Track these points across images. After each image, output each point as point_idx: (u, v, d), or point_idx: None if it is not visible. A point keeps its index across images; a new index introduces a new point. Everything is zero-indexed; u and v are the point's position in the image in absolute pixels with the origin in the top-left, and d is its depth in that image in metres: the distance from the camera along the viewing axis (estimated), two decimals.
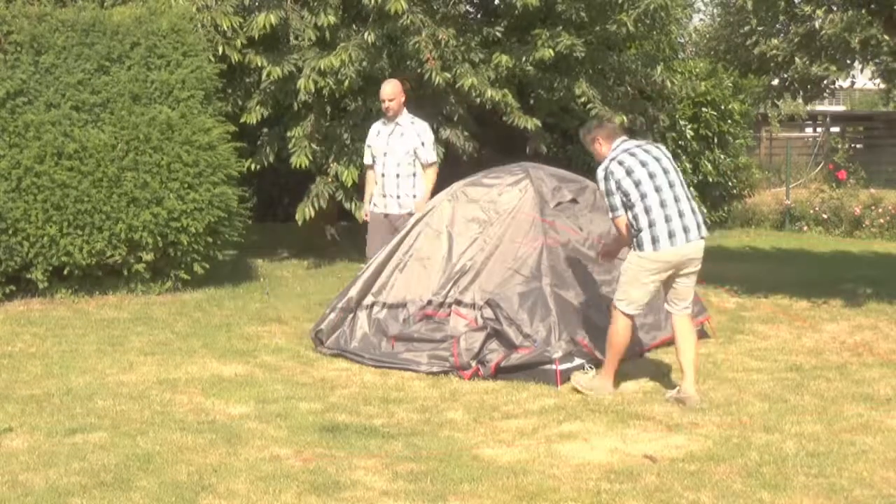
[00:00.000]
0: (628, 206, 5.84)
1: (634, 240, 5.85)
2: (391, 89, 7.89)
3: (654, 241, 5.77)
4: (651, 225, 5.77)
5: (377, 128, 8.10)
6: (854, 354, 7.22)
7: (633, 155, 5.91)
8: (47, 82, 9.12)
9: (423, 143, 7.90)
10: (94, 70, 9.25)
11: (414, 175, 7.88)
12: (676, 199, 5.84)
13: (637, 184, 5.80)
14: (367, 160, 8.20)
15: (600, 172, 5.93)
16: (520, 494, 4.45)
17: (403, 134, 7.88)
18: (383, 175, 7.91)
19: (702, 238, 5.90)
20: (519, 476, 4.66)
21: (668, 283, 5.97)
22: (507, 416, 5.64)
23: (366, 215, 8.19)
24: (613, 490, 4.50)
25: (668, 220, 5.78)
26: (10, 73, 9.01)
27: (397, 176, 7.86)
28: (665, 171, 5.88)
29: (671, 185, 5.86)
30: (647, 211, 5.78)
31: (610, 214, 5.99)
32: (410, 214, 7.63)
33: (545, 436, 5.29)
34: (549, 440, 5.21)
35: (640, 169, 5.84)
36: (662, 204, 5.79)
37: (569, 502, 4.39)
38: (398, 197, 7.89)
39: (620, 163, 5.87)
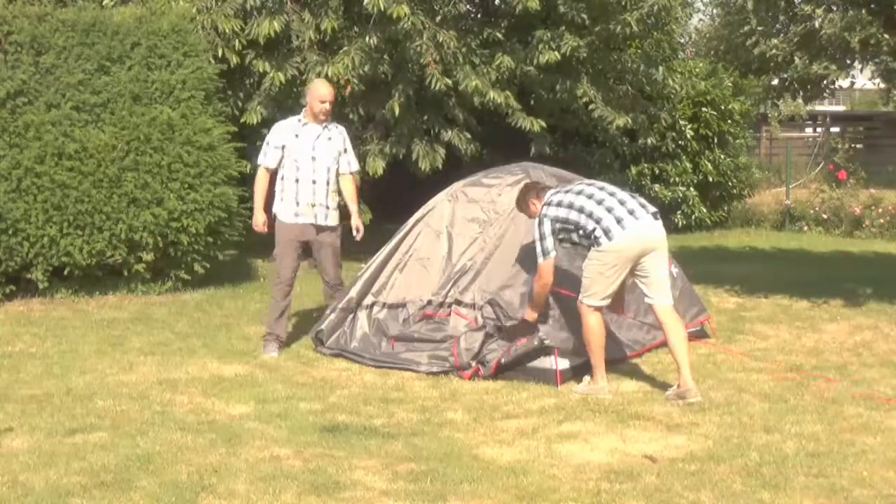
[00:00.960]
0: (575, 228, 6.02)
1: (592, 239, 5.97)
2: (330, 90, 7.21)
3: (607, 232, 5.90)
4: (598, 221, 5.94)
5: (293, 128, 7.16)
6: (854, 354, 7.22)
7: (555, 193, 6.21)
8: (48, 82, 9.13)
9: (346, 150, 7.23)
10: (95, 70, 9.25)
11: (336, 183, 7.21)
12: (612, 194, 6.09)
13: (570, 206, 6.06)
14: (270, 162, 7.13)
15: (535, 221, 6.20)
16: (520, 494, 4.45)
17: (331, 138, 7.18)
18: (314, 182, 7.04)
19: (650, 214, 6.00)
20: (519, 476, 4.66)
21: (637, 275, 6.02)
22: (507, 416, 5.64)
23: (264, 225, 7.16)
24: (613, 490, 4.50)
25: (610, 210, 5.97)
26: (10, 73, 9.01)
27: (327, 183, 7.09)
28: (590, 184, 6.24)
29: (601, 189, 6.15)
30: (589, 215, 5.98)
31: (539, 259, 6.14)
32: (333, 230, 7.16)
33: (545, 436, 5.29)
34: (549, 440, 5.21)
35: (567, 195, 6.13)
36: (600, 202, 6.02)
37: (569, 502, 4.39)
38: (328, 207, 7.11)
39: (549, 203, 6.17)
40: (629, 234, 5.89)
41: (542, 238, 6.10)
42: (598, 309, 6.06)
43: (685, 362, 5.91)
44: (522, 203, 6.44)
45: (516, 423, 5.52)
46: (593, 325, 6.05)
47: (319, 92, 7.13)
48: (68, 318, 8.37)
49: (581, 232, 6.01)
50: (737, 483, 4.60)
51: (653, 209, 6.08)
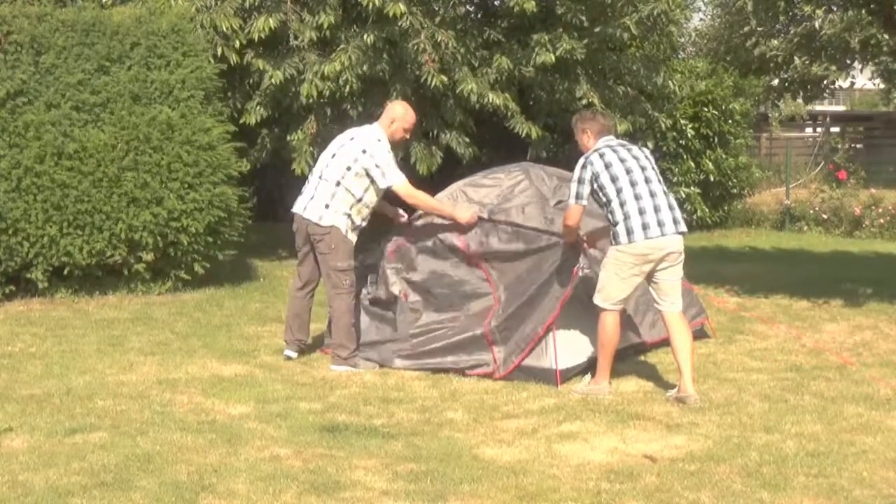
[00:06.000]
0: (605, 202, 5.95)
1: (612, 233, 5.94)
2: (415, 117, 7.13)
3: (629, 233, 5.85)
4: (626, 218, 5.86)
5: None
6: (854, 354, 7.22)
7: (615, 151, 6.04)
8: (47, 82, 9.13)
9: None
10: (95, 70, 9.25)
11: None
12: (652, 194, 5.94)
13: (614, 179, 5.92)
14: None
15: (581, 161, 6.06)
16: (520, 494, 4.45)
17: None
18: None
19: (678, 233, 5.94)
20: (519, 476, 4.66)
21: (650, 280, 5.99)
22: (507, 416, 5.64)
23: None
24: (613, 490, 4.50)
25: (642, 212, 5.86)
26: (10, 73, 9.02)
27: None
28: (643, 168, 6.01)
29: (647, 181, 5.97)
30: (622, 205, 5.88)
31: (570, 200, 6.08)
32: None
33: (545, 436, 5.29)
34: (549, 440, 5.21)
35: (618, 164, 5.97)
36: (637, 197, 5.89)
37: (569, 502, 4.39)
38: None
39: (601, 155, 6.01)
40: (650, 243, 5.82)
41: (579, 182, 5.97)
42: (615, 313, 6.02)
43: (688, 368, 5.90)
44: (579, 126, 6.26)
45: (516, 423, 5.52)
46: (607, 327, 6.02)
47: (408, 120, 6.98)
48: (68, 318, 8.37)
49: (607, 208, 5.92)
50: (737, 483, 4.60)
51: (683, 228, 5.96)
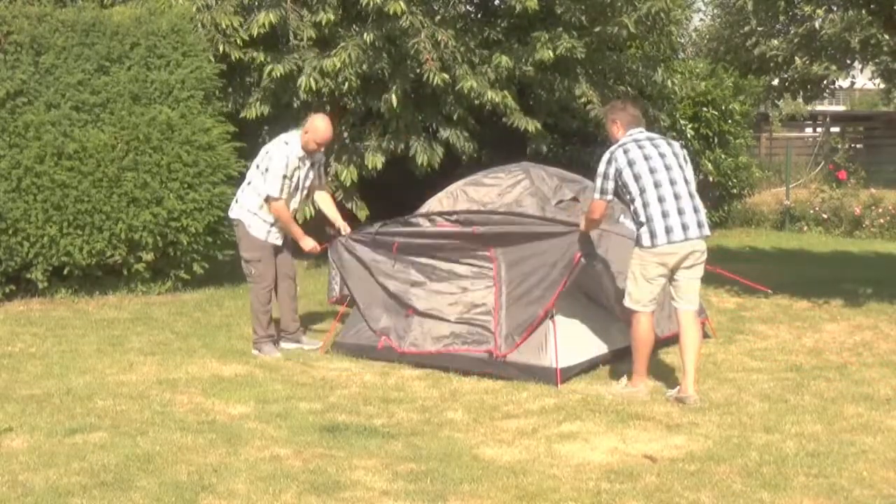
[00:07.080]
0: (629, 200, 5.89)
1: (636, 234, 5.90)
2: (331, 134, 7.26)
3: (653, 236, 5.81)
4: (650, 220, 5.81)
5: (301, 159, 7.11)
6: (854, 354, 7.22)
7: (640, 147, 5.95)
8: (47, 82, 9.13)
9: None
10: (94, 70, 9.26)
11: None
12: (676, 197, 5.85)
13: (637, 178, 5.85)
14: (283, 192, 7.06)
15: (605, 155, 6.00)
16: (520, 494, 4.45)
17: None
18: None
19: (702, 237, 5.89)
20: (519, 476, 4.66)
21: (671, 278, 5.97)
22: (507, 416, 5.64)
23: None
24: (613, 490, 4.50)
25: (665, 215, 5.80)
26: (10, 73, 9.02)
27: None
28: (668, 168, 5.90)
29: (672, 182, 5.87)
30: (645, 206, 5.82)
31: (596, 195, 6.04)
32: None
33: (545, 436, 5.29)
34: (549, 440, 5.21)
35: (642, 162, 5.88)
36: (661, 199, 5.82)
37: (569, 502, 4.39)
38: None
39: (625, 151, 5.93)
40: (673, 247, 5.80)
41: (604, 177, 5.93)
42: (647, 314, 6.00)
43: (692, 369, 5.89)
44: (609, 116, 6.23)
45: (516, 423, 5.52)
46: (641, 328, 6.00)
47: (322, 135, 7.07)
48: (68, 318, 8.37)
49: (631, 206, 5.87)
50: (737, 483, 4.60)
51: (707, 231, 5.91)
